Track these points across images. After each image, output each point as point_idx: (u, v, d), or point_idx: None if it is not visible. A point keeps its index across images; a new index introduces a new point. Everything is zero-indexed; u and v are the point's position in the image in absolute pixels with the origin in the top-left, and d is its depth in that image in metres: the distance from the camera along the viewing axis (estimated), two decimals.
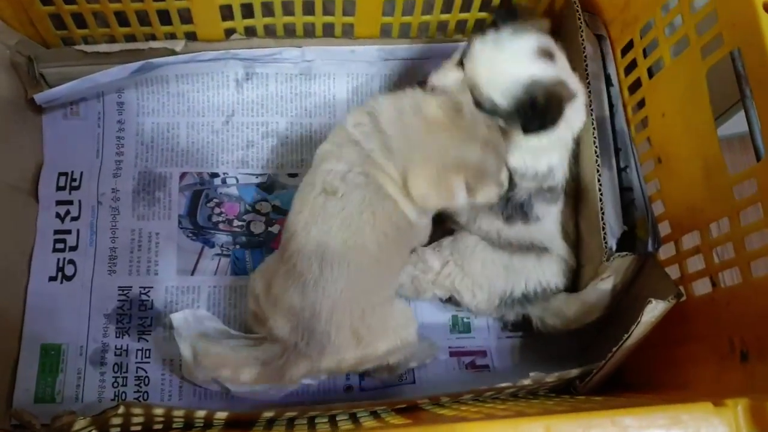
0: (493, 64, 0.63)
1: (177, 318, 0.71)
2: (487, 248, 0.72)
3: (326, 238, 0.60)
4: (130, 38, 0.77)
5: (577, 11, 0.71)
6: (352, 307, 0.61)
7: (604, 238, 0.65)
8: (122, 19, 0.75)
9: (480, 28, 0.68)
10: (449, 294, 0.74)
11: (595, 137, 0.67)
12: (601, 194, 0.66)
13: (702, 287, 0.62)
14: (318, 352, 0.61)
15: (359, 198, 0.61)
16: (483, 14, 0.79)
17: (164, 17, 0.75)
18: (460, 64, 0.66)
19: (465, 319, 0.78)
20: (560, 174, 0.69)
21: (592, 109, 0.69)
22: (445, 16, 0.79)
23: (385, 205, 0.62)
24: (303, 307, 0.60)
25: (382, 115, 0.62)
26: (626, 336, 0.59)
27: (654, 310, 0.58)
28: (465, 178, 0.61)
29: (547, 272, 0.72)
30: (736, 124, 0.72)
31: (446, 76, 0.65)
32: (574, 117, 0.67)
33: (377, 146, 0.62)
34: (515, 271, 0.71)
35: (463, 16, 0.79)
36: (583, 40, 0.71)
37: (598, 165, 0.66)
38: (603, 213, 0.65)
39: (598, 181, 0.66)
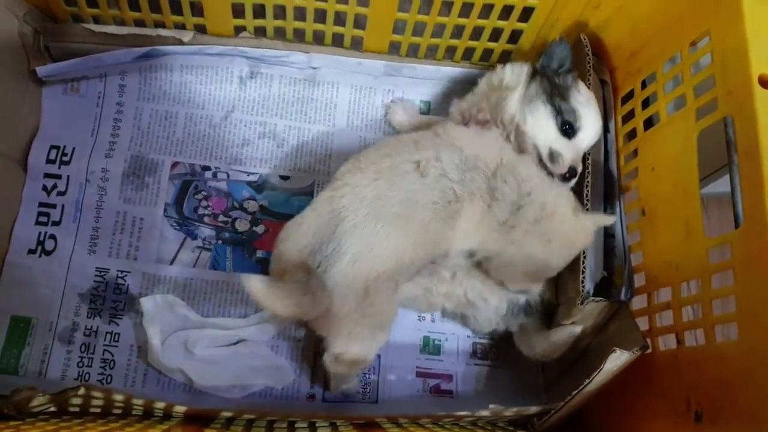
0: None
1: (147, 302, 0.72)
2: None
3: (386, 200, 0.61)
4: (140, 23, 0.78)
5: (588, 55, 0.72)
6: (374, 266, 0.61)
7: (582, 282, 0.66)
8: (134, 3, 0.75)
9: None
10: (459, 308, 0.74)
11: (588, 181, 0.68)
12: None
13: (668, 343, 0.63)
14: (330, 287, 0.60)
15: (433, 199, 0.62)
16: (492, 44, 0.80)
17: (176, 7, 0.75)
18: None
19: (436, 341, 0.79)
20: None
21: (588, 153, 0.70)
22: (454, 41, 0.80)
23: (442, 226, 0.63)
24: (331, 240, 0.60)
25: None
26: (587, 381, 0.60)
27: (617, 360, 0.59)
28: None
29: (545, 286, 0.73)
30: (728, 183, 0.73)
31: None
32: None
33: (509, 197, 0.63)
34: None
35: (472, 44, 0.80)
36: (589, 84, 0.71)
37: (587, 208, 0.67)
38: (585, 256, 0.66)
39: None
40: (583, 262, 0.66)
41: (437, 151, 0.64)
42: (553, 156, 0.67)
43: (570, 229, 0.65)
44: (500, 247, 0.66)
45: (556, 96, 0.68)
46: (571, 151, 0.67)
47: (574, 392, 0.61)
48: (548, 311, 0.73)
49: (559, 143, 0.67)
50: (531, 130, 0.67)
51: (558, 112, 0.67)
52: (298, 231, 0.62)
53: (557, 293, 0.73)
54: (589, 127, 0.68)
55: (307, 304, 0.59)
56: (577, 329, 0.68)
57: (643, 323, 0.65)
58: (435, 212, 0.62)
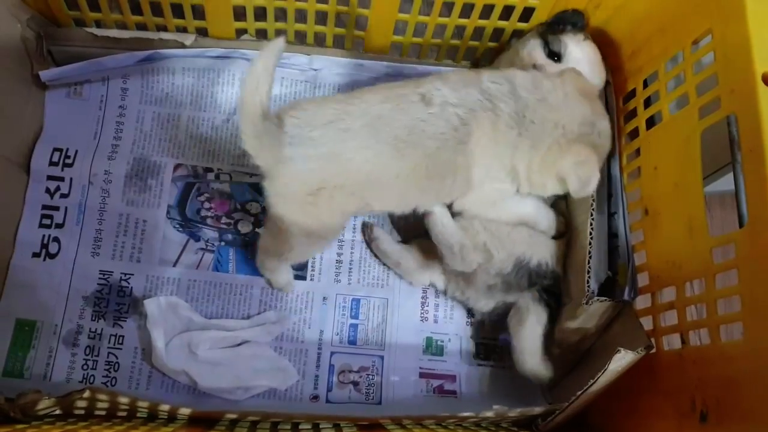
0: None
1: (150, 304, 0.72)
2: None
3: (390, 121, 0.61)
4: (142, 27, 0.78)
5: None
6: (342, 173, 0.61)
7: (588, 282, 0.65)
8: (136, 6, 0.75)
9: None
10: (471, 246, 0.72)
11: None
12: (591, 237, 0.67)
13: (672, 343, 0.62)
14: (286, 158, 0.60)
15: (440, 129, 0.62)
16: (492, 44, 0.80)
17: (177, 10, 0.75)
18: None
19: (439, 342, 0.79)
20: None
21: None
22: (455, 42, 0.80)
23: (453, 154, 0.63)
24: (316, 128, 0.60)
25: (518, 81, 0.65)
26: (591, 382, 0.60)
27: (622, 360, 0.59)
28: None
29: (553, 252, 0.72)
30: (730, 181, 0.73)
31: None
32: None
33: (508, 110, 0.63)
34: (538, 239, 0.72)
35: (473, 44, 0.80)
36: None
37: (593, 209, 0.67)
38: (590, 256, 0.66)
39: (591, 224, 0.67)
40: (588, 262, 0.66)
41: (437, 83, 0.64)
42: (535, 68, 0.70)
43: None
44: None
45: (548, 33, 0.72)
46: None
47: (579, 393, 0.61)
48: (551, 290, 0.72)
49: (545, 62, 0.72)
50: (520, 61, 0.71)
51: (546, 43, 0.71)
52: (303, 104, 0.62)
53: (561, 293, 0.73)
54: (577, 55, 0.72)
55: (264, 150, 0.60)
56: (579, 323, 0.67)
57: (646, 323, 0.65)
58: (443, 141, 0.62)
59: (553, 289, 0.72)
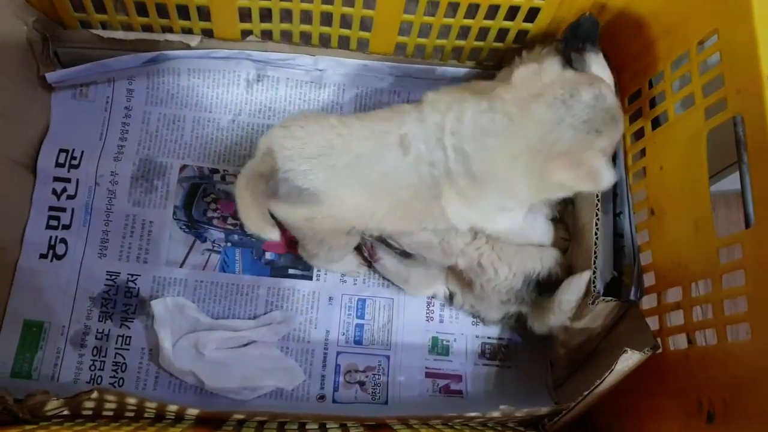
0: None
1: (157, 305, 0.72)
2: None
3: (368, 164, 0.63)
4: (147, 28, 0.78)
5: None
6: (331, 209, 0.64)
7: (593, 282, 0.66)
8: (141, 8, 0.75)
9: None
10: (470, 272, 0.72)
11: None
12: (597, 237, 0.67)
13: (678, 343, 0.63)
14: (282, 194, 0.64)
15: (413, 180, 0.62)
16: (498, 44, 0.80)
17: (183, 12, 0.75)
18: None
19: (444, 342, 0.79)
20: None
21: None
22: (460, 42, 0.80)
23: (427, 205, 0.64)
24: (307, 159, 0.62)
25: (464, 127, 0.60)
26: (598, 382, 0.60)
27: (628, 360, 0.59)
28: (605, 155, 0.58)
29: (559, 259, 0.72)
30: (736, 181, 0.73)
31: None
32: None
33: (460, 170, 0.61)
34: (545, 252, 0.72)
35: (478, 44, 0.80)
36: None
37: (598, 208, 0.67)
38: (596, 256, 0.66)
39: (596, 224, 0.67)
40: (594, 262, 0.66)
41: (415, 127, 0.62)
42: None
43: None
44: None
45: (569, 51, 0.67)
46: None
47: (586, 393, 0.61)
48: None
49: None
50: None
51: (568, 61, 0.66)
52: (294, 130, 0.64)
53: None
54: (598, 72, 0.66)
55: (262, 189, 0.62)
56: (586, 274, 0.66)
57: (652, 323, 0.65)
58: (416, 192, 0.63)
59: None
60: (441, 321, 0.80)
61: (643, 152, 0.72)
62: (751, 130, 0.54)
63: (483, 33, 0.78)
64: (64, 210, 0.77)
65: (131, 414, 0.63)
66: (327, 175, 0.62)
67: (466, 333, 0.79)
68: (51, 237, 0.75)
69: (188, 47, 0.78)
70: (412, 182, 0.62)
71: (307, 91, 0.84)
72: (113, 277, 0.75)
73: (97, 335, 0.73)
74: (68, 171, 0.78)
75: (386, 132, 0.63)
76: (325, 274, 0.79)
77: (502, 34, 0.78)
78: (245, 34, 0.80)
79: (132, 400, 0.59)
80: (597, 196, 0.68)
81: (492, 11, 0.74)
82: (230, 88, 0.82)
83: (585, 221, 0.70)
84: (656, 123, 0.70)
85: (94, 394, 0.56)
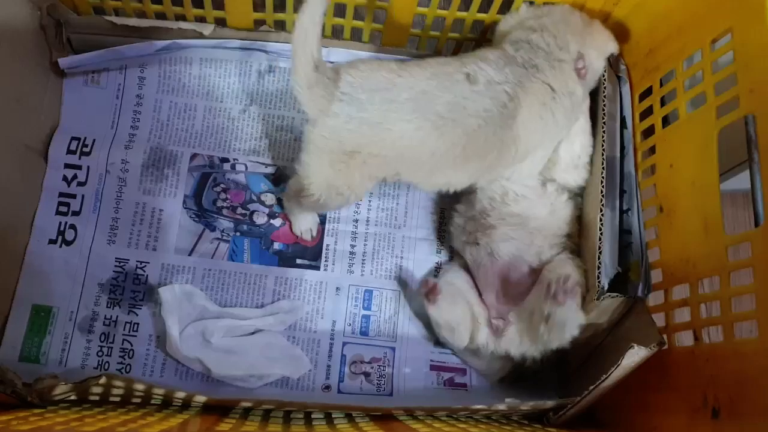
0: None
1: (165, 292, 0.73)
2: None
3: (433, 98, 0.63)
4: (161, 16, 0.78)
5: None
6: (376, 141, 0.63)
7: (598, 277, 0.66)
8: None
9: None
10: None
11: (603, 176, 0.69)
12: (602, 233, 0.67)
13: (685, 339, 0.63)
14: (331, 112, 0.63)
15: (485, 107, 0.64)
16: None
17: (197, 0, 0.76)
18: None
19: None
20: None
21: (604, 149, 0.70)
22: (472, 35, 0.80)
23: (499, 130, 0.65)
24: (364, 90, 0.62)
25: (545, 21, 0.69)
26: (604, 377, 0.60)
27: (635, 356, 0.59)
28: None
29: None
30: (743, 180, 0.73)
31: None
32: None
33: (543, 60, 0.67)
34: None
35: (492, 38, 0.80)
36: (605, 79, 0.72)
37: (602, 204, 0.68)
38: (600, 252, 0.67)
39: (600, 220, 0.67)
40: (599, 258, 0.66)
41: (479, 62, 0.66)
42: None
43: None
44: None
45: None
46: None
47: (592, 387, 0.61)
48: None
49: None
50: None
51: None
52: (359, 64, 0.64)
53: None
54: None
55: (314, 100, 0.62)
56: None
57: (659, 319, 0.65)
58: (486, 120, 0.64)
59: None
60: None
61: (652, 149, 0.72)
62: (763, 129, 0.55)
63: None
64: (74, 196, 0.77)
65: (138, 400, 0.63)
66: (387, 107, 0.62)
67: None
68: (60, 223, 0.76)
69: (201, 35, 0.78)
70: (485, 107, 0.64)
71: None
72: (122, 263, 0.76)
73: (105, 321, 0.73)
74: (79, 158, 0.78)
75: (450, 73, 0.65)
76: (333, 264, 0.80)
77: None
78: (258, 23, 0.80)
79: (140, 387, 0.59)
80: (602, 192, 0.68)
81: (506, 6, 0.74)
82: (242, 78, 0.82)
83: (590, 217, 0.70)
84: (666, 121, 0.71)
85: (103, 380, 0.56)
